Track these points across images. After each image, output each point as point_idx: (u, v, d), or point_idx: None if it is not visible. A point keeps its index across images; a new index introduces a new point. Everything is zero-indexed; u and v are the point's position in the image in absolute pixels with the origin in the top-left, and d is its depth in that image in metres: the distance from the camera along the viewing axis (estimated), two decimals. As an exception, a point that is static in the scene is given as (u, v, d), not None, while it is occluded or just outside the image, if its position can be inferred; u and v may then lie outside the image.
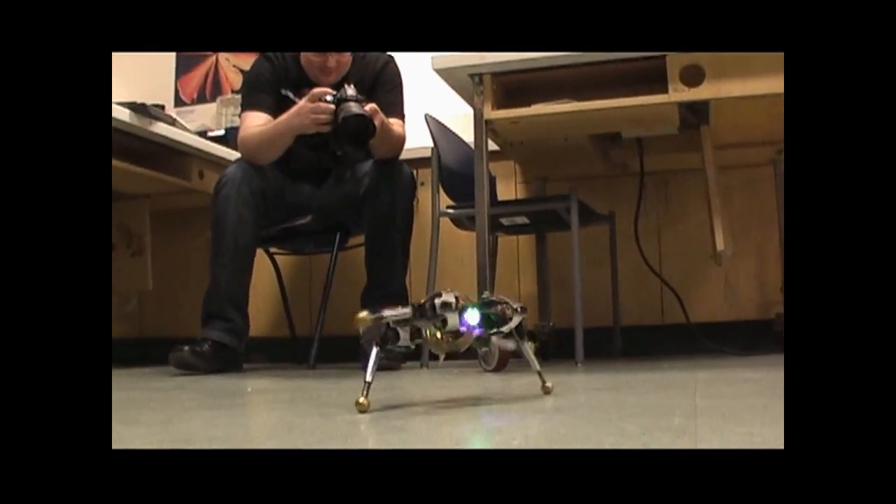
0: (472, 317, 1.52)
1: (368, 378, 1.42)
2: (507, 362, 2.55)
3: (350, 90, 2.85)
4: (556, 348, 3.47)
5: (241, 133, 3.14)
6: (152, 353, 3.75)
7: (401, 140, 3.13)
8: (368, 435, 1.17)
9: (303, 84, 3.10)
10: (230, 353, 2.86)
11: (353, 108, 2.79)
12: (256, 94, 3.19)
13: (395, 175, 3.06)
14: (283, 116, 2.99)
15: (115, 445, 1.07)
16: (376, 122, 2.82)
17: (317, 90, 2.89)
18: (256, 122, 3.10)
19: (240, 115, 3.26)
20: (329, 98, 2.85)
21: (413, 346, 1.52)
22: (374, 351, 1.46)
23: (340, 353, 3.17)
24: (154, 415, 1.50)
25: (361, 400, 1.40)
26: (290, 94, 3.09)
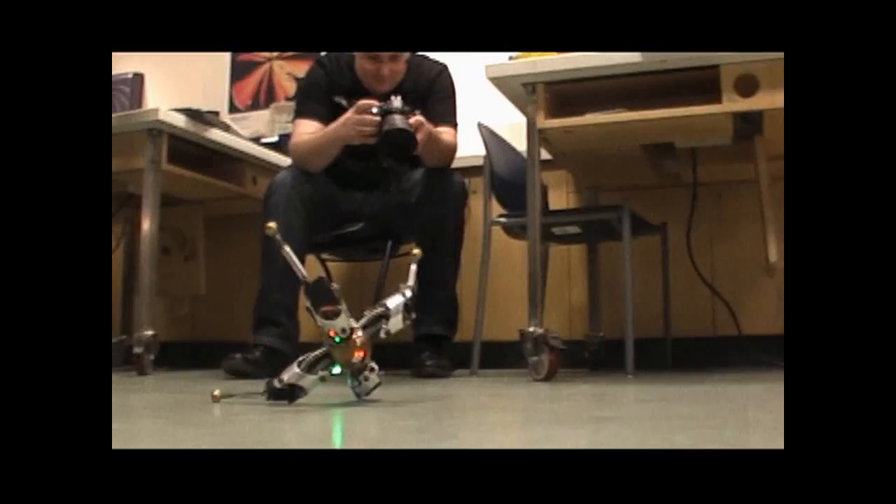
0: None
1: None
2: (556, 371, 2.55)
3: (396, 102, 2.86)
4: (606, 359, 3.46)
5: (292, 140, 3.18)
6: (204, 356, 3.79)
7: (451, 149, 3.13)
8: (420, 441, 1.17)
9: (357, 91, 3.12)
10: (282, 357, 2.88)
11: (397, 121, 2.79)
12: (309, 101, 3.22)
13: (446, 184, 3.06)
14: (331, 126, 3.01)
15: (169, 446, 1.08)
16: (420, 136, 2.82)
17: (362, 102, 2.91)
18: (307, 129, 3.13)
19: (292, 122, 3.30)
20: (374, 110, 2.86)
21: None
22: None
23: (390, 359, 3.19)
24: (206, 417, 1.52)
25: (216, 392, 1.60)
26: (343, 102, 3.11)
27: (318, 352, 1.68)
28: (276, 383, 1.69)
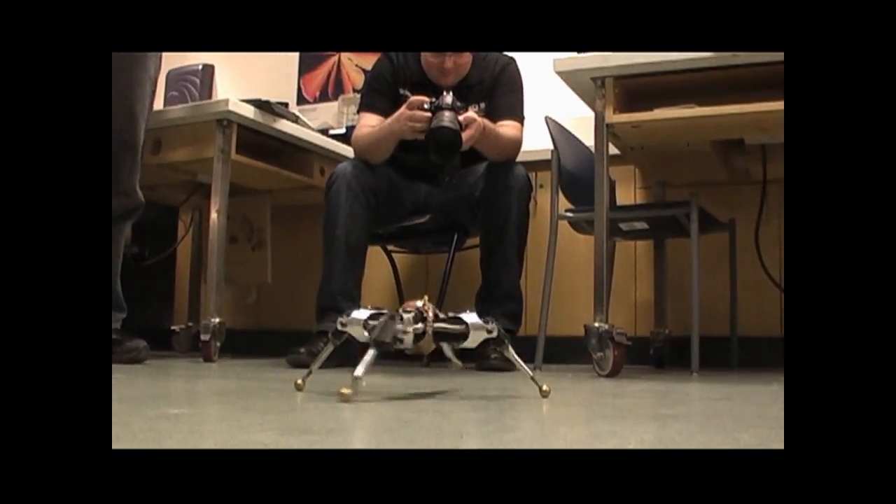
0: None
1: (357, 373, 1.54)
2: (621, 367, 2.54)
3: (447, 98, 2.87)
4: (671, 356, 3.43)
5: (354, 133, 3.24)
6: (269, 344, 3.83)
7: (514, 143, 3.13)
8: (482, 433, 1.17)
9: (423, 84, 3.14)
10: (345, 344, 2.89)
11: (445, 118, 2.80)
12: (374, 95, 3.27)
13: (509, 177, 3.06)
14: (387, 121, 3.04)
15: (236, 431, 1.09)
16: (469, 132, 2.83)
17: (414, 98, 2.93)
18: (369, 123, 3.18)
19: (357, 115, 3.34)
20: (426, 105, 2.87)
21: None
22: (372, 352, 1.59)
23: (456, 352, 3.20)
24: (272, 404, 1.53)
25: (344, 390, 1.51)
26: (408, 94, 3.12)
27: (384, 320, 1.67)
28: (339, 326, 1.70)
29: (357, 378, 1.53)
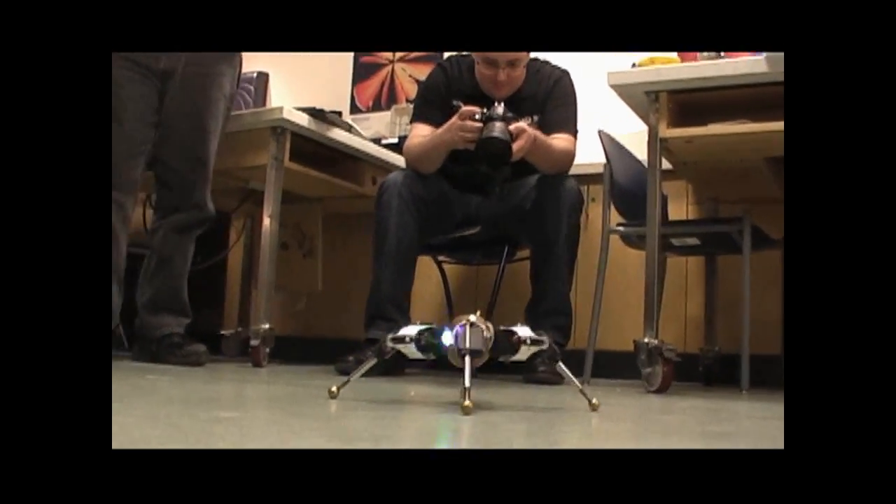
0: (447, 337, 1.62)
1: (467, 384, 1.51)
2: (669, 383, 2.52)
3: (499, 109, 2.86)
4: (720, 374, 3.40)
5: (406, 143, 3.25)
6: (317, 352, 3.85)
7: (566, 156, 3.11)
8: (530, 445, 1.17)
9: (476, 96, 3.13)
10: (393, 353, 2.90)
11: (495, 129, 2.80)
12: (426, 106, 3.27)
13: (561, 190, 3.04)
14: (438, 131, 3.05)
15: (286, 436, 1.10)
16: (520, 143, 2.82)
17: (465, 108, 2.92)
18: (421, 133, 3.18)
19: (409, 125, 3.35)
20: (477, 116, 2.87)
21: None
22: (468, 362, 1.56)
23: (503, 363, 3.19)
24: (321, 410, 1.54)
25: (466, 403, 1.48)
26: (461, 106, 3.12)
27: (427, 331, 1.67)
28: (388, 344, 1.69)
29: (466, 389, 1.51)
